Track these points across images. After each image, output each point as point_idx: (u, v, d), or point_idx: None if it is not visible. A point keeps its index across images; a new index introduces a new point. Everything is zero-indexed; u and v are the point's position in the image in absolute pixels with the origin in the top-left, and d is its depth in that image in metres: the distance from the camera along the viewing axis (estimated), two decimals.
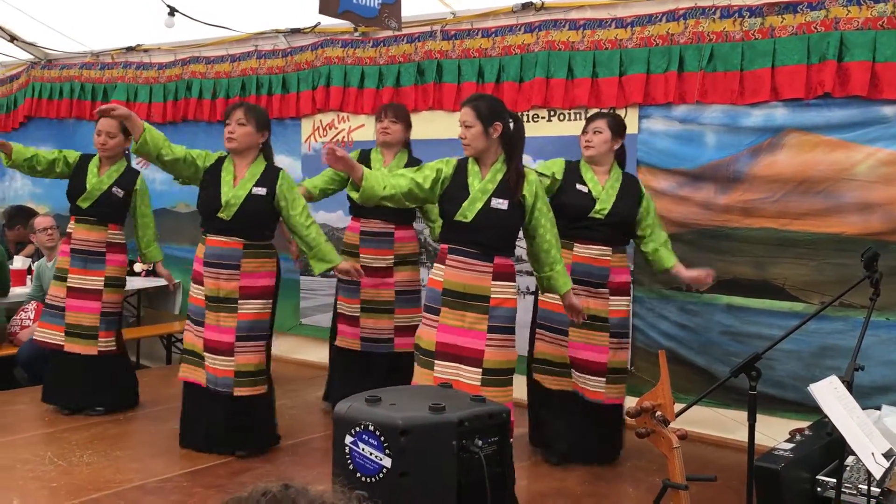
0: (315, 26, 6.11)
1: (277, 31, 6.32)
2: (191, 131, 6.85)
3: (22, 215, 6.92)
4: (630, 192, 4.14)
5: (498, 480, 2.36)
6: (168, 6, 5.90)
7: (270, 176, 4.16)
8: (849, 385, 2.64)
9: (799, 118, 4.29)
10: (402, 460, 2.20)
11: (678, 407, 2.85)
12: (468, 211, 3.45)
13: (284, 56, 6.31)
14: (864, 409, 2.65)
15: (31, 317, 5.78)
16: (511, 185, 3.44)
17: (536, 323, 4.16)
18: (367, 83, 5.86)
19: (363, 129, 5.93)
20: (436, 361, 3.43)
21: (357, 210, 4.74)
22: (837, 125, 4.19)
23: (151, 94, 7.07)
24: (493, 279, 3.41)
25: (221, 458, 4.13)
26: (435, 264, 3.59)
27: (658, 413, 2.59)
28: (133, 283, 6.22)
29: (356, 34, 5.90)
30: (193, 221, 6.75)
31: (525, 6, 5.16)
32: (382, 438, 2.22)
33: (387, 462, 2.21)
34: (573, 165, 4.19)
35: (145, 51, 7.17)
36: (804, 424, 3.62)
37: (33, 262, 6.26)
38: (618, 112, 4.73)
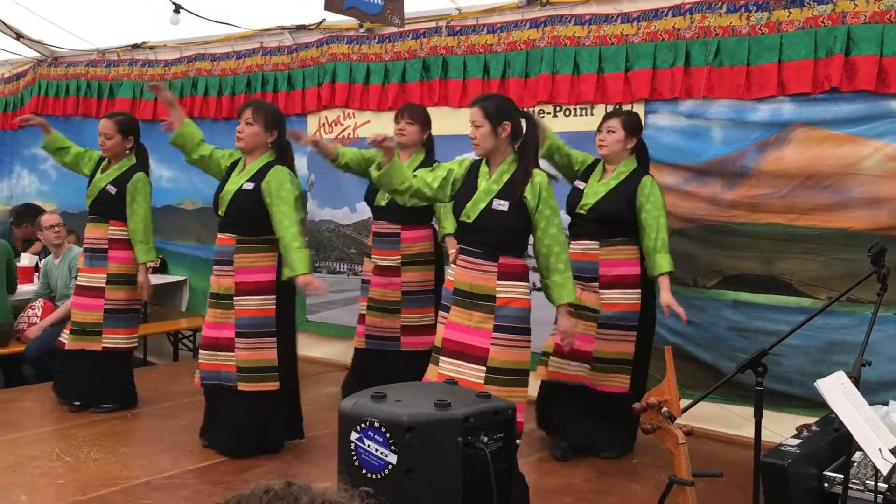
0: (320, 23, 6.10)
1: (283, 28, 6.32)
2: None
3: (29, 213, 6.95)
4: (625, 190, 4.12)
5: (503, 477, 2.35)
6: (174, 3, 5.90)
7: (263, 171, 4.15)
8: (856, 381, 2.63)
9: (806, 113, 4.27)
10: (407, 457, 2.20)
11: (684, 403, 2.85)
12: (471, 211, 3.46)
13: (290, 53, 6.31)
14: (871, 404, 2.64)
15: (39, 314, 5.80)
16: (515, 185, 3.41)
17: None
18: (373, 79, 5.86)
19: (368, 125, 5.93)
20: (440, 357, 3.45)
21: (373, 212, 4.87)
22: (845, 120, 4.16)
23: None
24: (499, 279, 3.38)
25: (227, 456, 4.14)
26: (450, 263, 3.63)
27: (664, 409, 2.59)
28: None
29: (361, 31, 5.90)
30: (199, 218, 6.81)
31: (530, 2, 5.14)
32: (388, 435, 2.21)
33: (392, 459, 2.21)
34: (593, 164, 4.30)
35: (151, 48, 7.18)
36: (811, 420, 3.61)
37: (40, 260, 6.28)
38: (624, 107, 4.74)
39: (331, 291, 6.22)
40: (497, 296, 3.38)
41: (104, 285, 4.82)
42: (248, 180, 4.13)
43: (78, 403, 4.84)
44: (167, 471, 3.94)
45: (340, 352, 6.24)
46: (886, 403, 3.71)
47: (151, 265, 6.31)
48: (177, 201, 7.08)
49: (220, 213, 4.19)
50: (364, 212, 5.83)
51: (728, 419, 4.45)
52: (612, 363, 4.16)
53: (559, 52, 5.01)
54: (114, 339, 4.83)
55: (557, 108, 5.08)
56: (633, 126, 4.21)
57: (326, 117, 6.16)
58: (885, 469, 2.45)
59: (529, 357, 3.44)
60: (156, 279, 6.83)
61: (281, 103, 6.25)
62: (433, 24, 5.58)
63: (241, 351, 4.11)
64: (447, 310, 3.49)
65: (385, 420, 2.23)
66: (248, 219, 4.13)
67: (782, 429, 3.69)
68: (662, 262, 4.03)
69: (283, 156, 4.26)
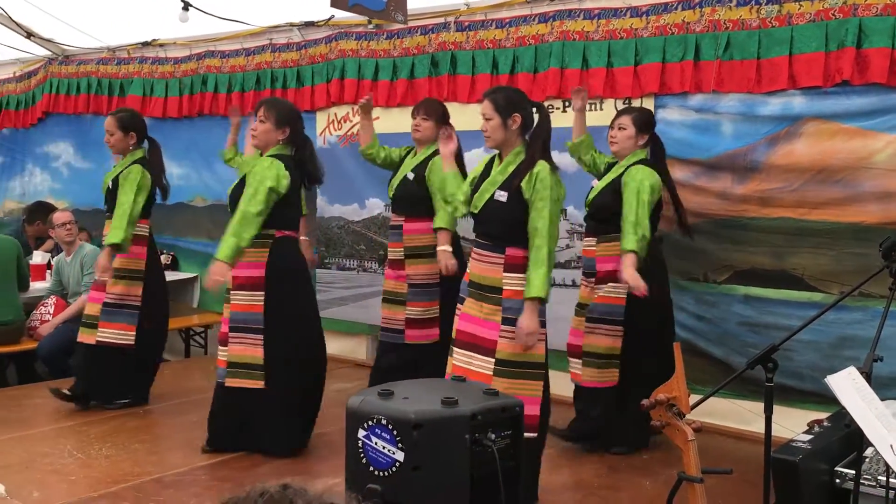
0: (329, 19, 6.10)
1: (292, 25, 6.32)
2: (206, 125, 6.88)
3: (41, 211, 6.99)
4: (617, 181, 4.14)
5: (511, 474, 2.35)
6: (182, 0, 5.91)
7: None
8: (867, 376, 2.60)
9: (817, 106, 4.23)
10: (414, 454, 2.20)
11: (695, 399, 2.84)
12: (478, 202, 3.48)
13: (299, 49, 6.31)
14: (882, 400, 2.61)
15: (51, 311, 5.84)
16: (515, 176, 3.40)
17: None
18: (382, 76, 5.85)
19: (377, 121, 5.91)
20: (454, 349, 3.47)
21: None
22: (856, 113, 4.12)
23: (167, 88, 7.09)
24: (505, 271, 3.38)
25: (238, 452, 4.15)
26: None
27: (673, 406, 2.58)
28: None
29: (370, 27, 5.89)
30: (210, 215, 6.83)
31: None
32: (395, 432, 2.21)
33: (399, 456, 2.21)
34: (613, 162, 4.34)
35: (161, 45, 7.20)
36: (823, 415, 3.59)
37: (53, 258, 6.32)
38: (633, 102, 4.72)
39: (341, 288, 6.24)
40: (504, 287, 3.37)
41: (106, 279, 4.85)
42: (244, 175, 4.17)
43: (77, 397, 4.89)
44: (178, 467, 3.95)
45: (350, 348, 6.26)
46: None
47: (166, 261, 6.39)
48: (188, 198, 7.10)
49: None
50: (373, 208, 5.84)
51: (739, 414, 4.43)
52: (601, 357, 4.17)
53: (568, 46, 4.99)
54: (107, 333, 4.82)
55: (566, 103, 5.06)
56: (643, 122, 4.22)
57: (335, 114, 6.16)
58: None
59: (543, 350, 3.40)
60: (167, 276, 6.87)
61: (290, 100, 6.24)
62: (442, 20, 5.56)
63: (233, 345, 4.11)
64: (462, 301, 3.52)
65: (392, 417, 2.23)
66: None
67: (793, 424, 3.67)
68: (626, 241, 3.91)
69: (301, 148, 4.24)
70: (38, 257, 6.48)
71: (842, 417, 3.21)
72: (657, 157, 4.26)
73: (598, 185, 4.30)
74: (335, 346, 6.26)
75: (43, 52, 7.92)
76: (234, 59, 6.67)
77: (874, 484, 3.00)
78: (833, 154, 4.19)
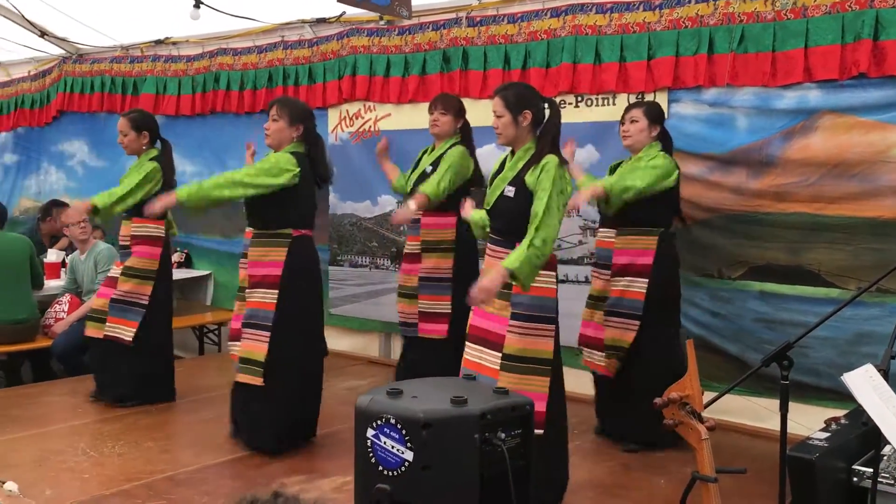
0: (340, 16, 6.09)
1: (303, 22, 6.31)
2: (219, 123, 6.89)
3: (57, 209, 7.01)
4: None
5: (521, 473, 2.33)
6: None
7: None
8: (885, 373, 2.56)
9: (833, 99, 4.18)
10: (423, 454, 2.18)
11: (710, 396, 2.80)
12: (490, 198, 3.50)
13: (310, 46, 6.30)
14: None
15: (66, 309, 5.86)
16: (522, 171, 3.39)
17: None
18: (393, 72, 5.83)
19: (389, 118, 5.91)
20: (467, 344, 3.48)
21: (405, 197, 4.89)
22: (873, 106, 4.06)
23: (180, 86, 7.11)
24: None
25: (250, 450, 4.15)
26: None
27: (686, 404, 2.55)
28: None
29: (381, 23, 5.87)
30: (223, 213, 6.81)
31: None
32: (404, 432, 2.19)
33: (408, 455, 2.19)
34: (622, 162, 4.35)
35: (174, 43, 7.21)
36: (840, 413, 3.54)
37: (67, 255, 6.34)
38: (646, 96, 4.68)
39: (353, 285, 6.23)
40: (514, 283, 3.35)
41: (118, 276, 4.90)
42: None
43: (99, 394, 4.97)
44: (190, 465, 3.95)
45: (362, 345, 6.25)
46: None
47: (179, 259, 6.42)
48: None
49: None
50: (385, 205, 5.82)
51: (754, 412, 4.38)
52: (620, 351, 4.17)
53: (580, 41, 4.95)
54: (114, 329, 4.87)
55: (579, 98, 5.02)
56: (655, 114, 4.23)
57: (347, 110, 6.15)
58: None
59: (551, 346, 3.37)
60: (181, 273, 6.91)
61: (302, 97, 6.23)
62: (453, 16, 5.53)
63: (244, 341, 4.14)
64: None
65: (401, 417, 2.21)
66: (257, 211, 4.18)
67: (810, 421, 3.63)
68: (603, 181, 4.09)
69: (313, 145, 4.25)
70: (53, 255, 6.52)
71: (859, 415, 3.17)
72: (667, 151, 4.23)
73: (615, 177, 4.23)
74: (347, 342, 6.28)
75: (57, 50, 7.96)
76: (247, 57, 6.67)
77: (892, 482, 2.95)
78: (850, 148, 4.13)
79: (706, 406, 2.62)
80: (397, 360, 5.22)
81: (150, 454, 4.11)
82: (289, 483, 3.67)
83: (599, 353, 4.25)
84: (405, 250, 4.88)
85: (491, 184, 3.56)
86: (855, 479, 3.08)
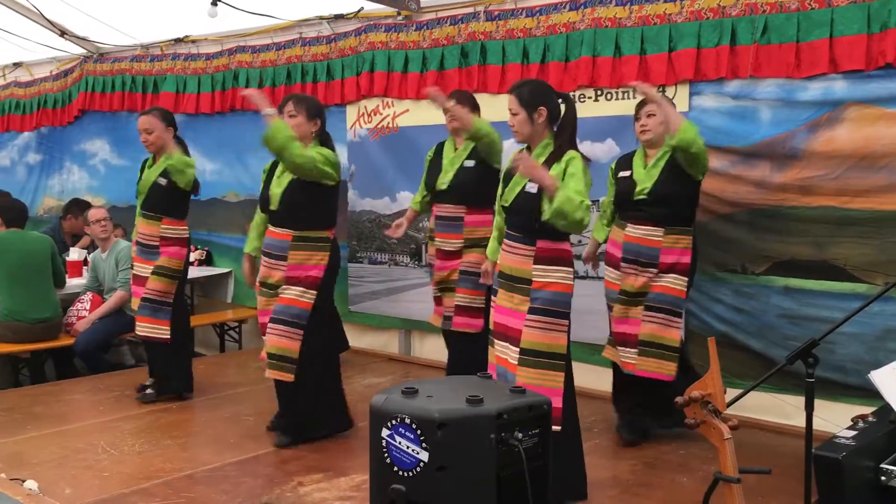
0: (358, 12, 6.06)
1: (321, 18, 6.29)
2: (238, 121, 6.90)
3: (77, 208, 7.06)
4: (677, 169, 4.00)
5: (539, 474, 2.28)
6: None
7: None
8: None
9: (859, 90, 4.09)
10: (439, 454, 2.14)
11: (734, 393, 2.75)
12: (508, 195, 3.49)
13: (328, 42, 6.28)
14: None
15: (88, 307, 5.89)
16: (547, 167, 3.36)
17: None
18: (411, 67, 5.80)
19: (407, 114, 5.87)
20: (494, 340, 3.51)
21: (434, 196, 4.83)
22: None
23: (200, 84, 7.12)
24: (535, 262, 3.37)
25: (269, 448, 4.15)
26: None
27: (708, 403, 2.50)
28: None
29: (399, 18, 5.83)
30: (242, 210, 6.84)
31: None
32: (419, 432, 2.16)
33: (424, 456, 2.15)
34: (625, 158, 4.28)
35: (193, 42, 7.22)
36: (868, 410, 3.46)
37: (89, 254, 6.38)
38: (667, 90, 4.61)
39: (372, 282, 6.20)
40: (533, 279, 3.37)
41: (148, 275, 4.89)
42: None
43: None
44: (210, 463, 3.95)
45: (382, 342, 6.23)
46: None
47: (199, 257, 6.45)
48: (221, 194, 7.13)
49: (272, 208, 4.18)
50: (404, 202, 5.79)
51: (780, 409, 4.31)
52: (659, 348, 4.08)
53: (600, 34, 4.89)
54: (145, 328, 4.89)
55: (598, 92, 4.96)
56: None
57: (366, 107, 6.13)
58: None
59: (565, 342, 3.39)
60: (202, 271, 6.93)
61: (320, 94, 6.23)
62: (471, 10, 5.49)
63: (271, 336, 4.14)
64: (496, 294, 3.55)
65: (416, 416, 2.18)
66: (299, 210, 4.14)
67: (837, 419, 3.56)
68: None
69: (328, 142, 4.29)
70: (75, 254, 6.56)
71: (887, 413, 3.11)
72: None
73: (650, 171, 4.07)
74: (367, 340, 6.26)
75: (77, 50, 8.00)
76: (265, 54, 6.66)
77: None
78: (876, 140, 4.05)
79: (729, 405, 2.57)
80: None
81: (170, 452, 4.11)
82: (306, 482, 3.67)
83: (633, 350, 4.12)
84: (441, 247, 4.76)
85: (504, 179, 3.54)
86: (883, 478, 3.01)
